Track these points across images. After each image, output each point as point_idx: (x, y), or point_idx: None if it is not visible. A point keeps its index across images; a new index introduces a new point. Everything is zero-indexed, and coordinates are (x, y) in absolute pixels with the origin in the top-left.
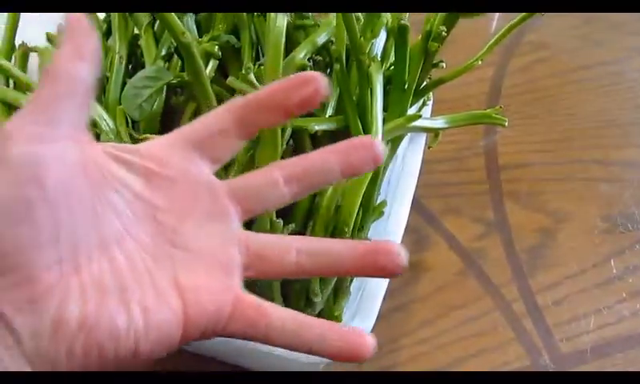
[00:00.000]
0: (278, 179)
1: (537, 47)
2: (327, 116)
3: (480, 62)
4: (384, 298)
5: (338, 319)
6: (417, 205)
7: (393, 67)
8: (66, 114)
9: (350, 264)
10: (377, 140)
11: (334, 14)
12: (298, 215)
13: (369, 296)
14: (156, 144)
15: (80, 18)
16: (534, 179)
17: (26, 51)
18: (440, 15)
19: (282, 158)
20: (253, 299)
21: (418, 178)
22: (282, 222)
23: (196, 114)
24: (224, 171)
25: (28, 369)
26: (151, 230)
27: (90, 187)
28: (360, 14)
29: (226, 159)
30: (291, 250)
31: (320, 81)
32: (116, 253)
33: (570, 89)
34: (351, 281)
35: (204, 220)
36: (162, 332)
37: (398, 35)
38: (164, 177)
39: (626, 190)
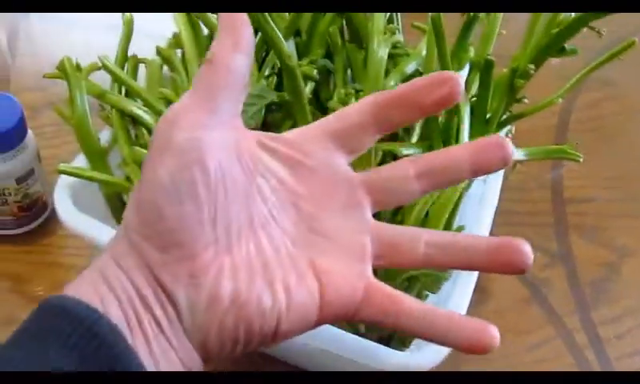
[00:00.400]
0: (410, 174)
1: (605, 84)
2: (413, 141)
3: (561, 100)
4: None
5: (411, 338)
6: None
7: (474, 99)
8: (225, 103)
9: (479, 258)
10: (507, 140)
11: (425, 44)
12: None
13: None
14: (298, 134)
15: (236, 14)
16: (599, 214)
17: (136, 62)
18: (528, 53)
19: None
20: (384, 286)
21: None
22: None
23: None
24: None
25: (187, 342)
26: (293, 215)
27: (243, 172)
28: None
29: (361, 151)
30: (420, 241)
31: (456, 81)
32: (262, 235)
33: (636, 127)
34: (426, 300)
35: (340, 209)
36: (301, 313)
37: (484, 69)
38: (306, 166)
39: None
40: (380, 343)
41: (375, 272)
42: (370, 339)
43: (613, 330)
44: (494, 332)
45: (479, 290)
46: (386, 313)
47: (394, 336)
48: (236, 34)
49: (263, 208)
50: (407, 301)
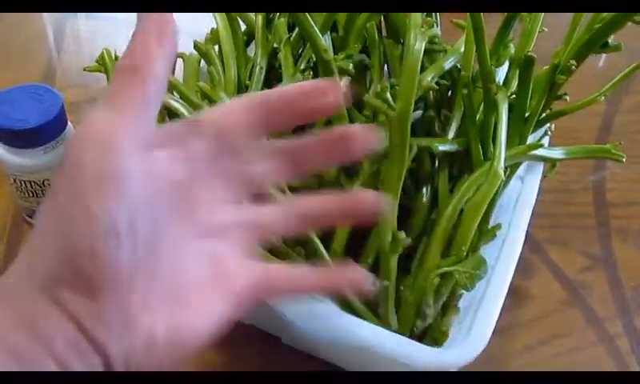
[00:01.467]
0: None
1: None
2: (450, 138)
3: (603, 98)
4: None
5: (444, 334)
6: None
7: (513, 96)
8: (153, 117)
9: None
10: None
11: (463, 40)
12: (414, 230)
13: (482, 315)
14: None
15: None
16: None
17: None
18: (570, 49)
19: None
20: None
21: None
22: (404, 235)
23: (328, 124)
24: (349, 180)
25: None
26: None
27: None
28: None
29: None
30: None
31: (338, 92)
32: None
33: None
34: (459, 299)
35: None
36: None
37: (524, 66)
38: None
39: None
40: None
41: (408, 266)
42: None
43: None
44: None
45: (517, 293)
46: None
47: (427, 333)
48: (162, 37)
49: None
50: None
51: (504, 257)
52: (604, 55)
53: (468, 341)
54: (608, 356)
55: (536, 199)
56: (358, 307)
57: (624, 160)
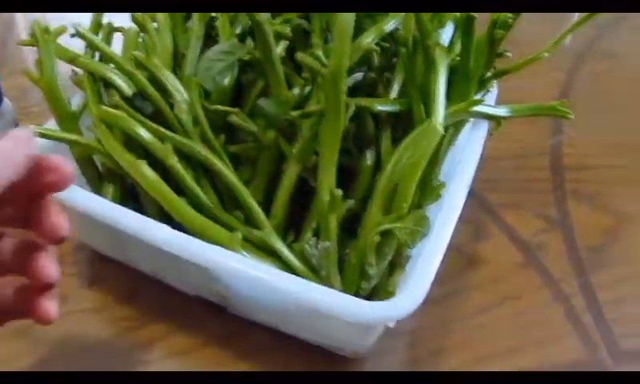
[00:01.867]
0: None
1: (608, 56)
2: (391, 98)
3: (546, 55)
4: (438, 283)
5: (391, 294)
6: (478, 197)
7: (458, 58)
8: None
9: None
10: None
11: None
12: (357, 192)
13: (419, 270)
14: None
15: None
16: (599, 181)
17: (111, 29)
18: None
19: (344, 135)
20: None
21: (481, 171)
22: (341, 193)
23: (264, 91)
24: (288, 143)
25: None
26: None
27: None
28: None
29: None
30: None
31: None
32: None
33: (637, 97)
34: (407, 260)
35: None
36: None
37: (465, 25)
38: None
39: None
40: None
41: (351, 226)
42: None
43: (612, 295)
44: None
45: (472, 256)
46: None
47: (374, 294)
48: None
49: None
50: None
51: (444, 212)
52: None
53: (403, 295)
54: (563, 315)
55: (493, 166)
56: (300, 269)
57: (571, 116)
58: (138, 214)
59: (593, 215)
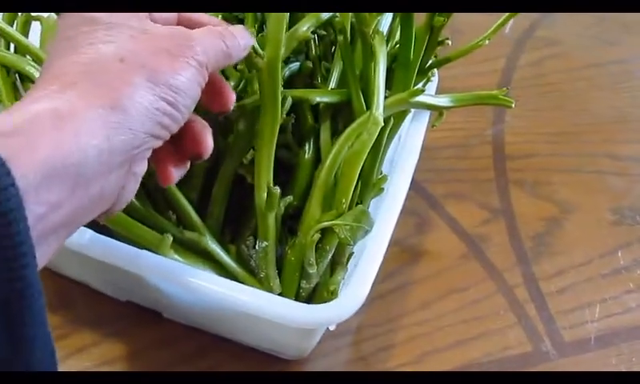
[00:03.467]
0: None
1: (549, 43)
2: (330, 88)
3: (487, 42)
4: (382, 279)
5: (333, 294)
6: (420, 189)
7: (398, 46)
8: None
9: None
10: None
11: None
12: (297, 188)
13: (361, 269)
14: None
15: None
16: (541, 169)
17: (28, 19)
18: None
19: (283, 128)
20: None
21: (423, 162)
22: (279, 190)
23: None
24: (224, 138)
25: None
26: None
27: None
28: None
29: None
30: None
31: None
32: None
33: (580, 85)
34: (349, 257)
35: None
36: None
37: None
38: None
39: (636, 185)
40: None
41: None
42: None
43: (555, 285)
44: None
45: (414, 250)
46: None
47: (316, 294)
48: None
49: None
50: None
51: (385, 207)
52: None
53: (343, 296)
54: (508, 306)
55: (435, 155)
56: (236, 272)
57: (512, 105)
58: None
59: (535, 204)
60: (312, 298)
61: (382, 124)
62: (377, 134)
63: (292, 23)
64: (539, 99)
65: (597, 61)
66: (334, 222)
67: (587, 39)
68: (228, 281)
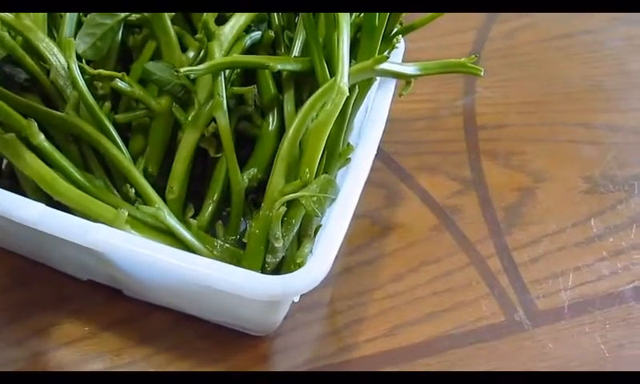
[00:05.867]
0: None
1: (519, 15)
2: (292, 56)
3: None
4: (352, 252)
5: (300, 266)
6: (390, 161)
7: (362, 15)
8: None
9: None
10: None
11: None
12: (261, 159)
13: (325, 238)
14: None
15: None
16: (513, 139)
17: None
18: None
19: (244, 100)
20: None
21: (393, 134)
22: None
23: (156, 53)
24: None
25: None
26: None
27: None
28: None
29: None
30: None
31: None
32: None
33: (552, 55)
34: (317, 230)
35: None
36: None
37: None
38: None
39: (608, 153)
40: None
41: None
42: None
43: (528, 254)
44: None
45: (384, 222)
46: None
47: (282, 267)
48: None
49: None
50: None
51: (350, 175)
52: None
53: (308, 266)
54: (479, 277)
55: (405, 127)
56: (196, 247)
57: (481, 73)
58: (7, 192)
59: (508, 175)
60: (279, 271)
61: (348, 93)
62: (342, 103)
63: None
64: (510, 70)
65: (568, 31)
66: (300, 193)
67: None
68: (187, 253)
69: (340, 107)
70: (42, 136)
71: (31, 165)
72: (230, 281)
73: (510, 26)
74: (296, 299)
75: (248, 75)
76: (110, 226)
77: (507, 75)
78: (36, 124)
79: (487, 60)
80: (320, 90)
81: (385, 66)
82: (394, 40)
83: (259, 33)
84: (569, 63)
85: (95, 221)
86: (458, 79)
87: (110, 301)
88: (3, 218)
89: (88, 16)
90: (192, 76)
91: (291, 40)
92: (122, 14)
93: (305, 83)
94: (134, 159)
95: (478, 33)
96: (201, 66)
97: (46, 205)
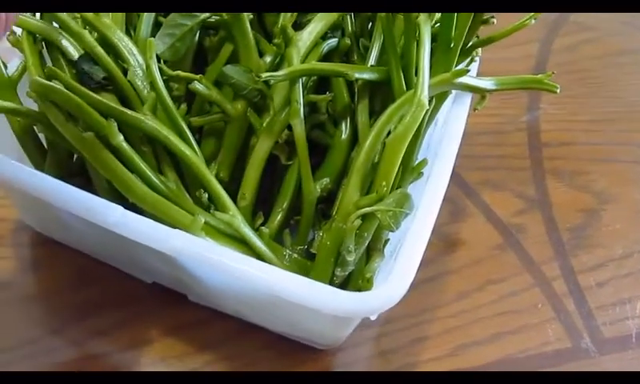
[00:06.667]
0: None
1: (583, 28)
2: (369, 65)
3: (533, 21)
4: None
5: (369, 282)
6: (454, 176)
7: (438, 25)
8: None
9: None
10: None
11: None
12: (332, 169)
13: (404, 258)
14: None
15: None
16: (577, 158)
17: None
18: None
19: (317, 108)
20: None
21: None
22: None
23: (233, 56)
24: (258, 115)
25: None
26: None
27: None
28: None
29: None
30: None
31: None
32: None
33: (615, 71)
34: (385, 243)
35: None
36: None
37: None
38: None
39: None
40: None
41: (328, 213)
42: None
43: (594, 278)
44: None
45: (449, 238)
46: None
47: (350, 281)
48: None
49: None
50: None
51: (428, 194)
52: None
53: (387, 285)
54: (545, 299)
55: (468, 142)
56: (268, 257)
57: (557, 90)
58: (87, 193)
59: (572, 195)
60: (345, 285)
61: (428, 107)
62: (422, 117)
63: None
64: (574, 85)
65: (631, 47)
66: (376, 207)
67: (621, 25)
68: (267, 265)
69: (419, 121)
70: (121, 137)
71: (109, 166)
72: (311, 295)
73: (573, 40)
74: (373, 317)
75: (322, 82)
76: (186, 231)
77: (571, 91)
78: (116, 124)
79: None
80: (398, 101)
81: (463, 79)
82: (473, 53)
83: (335, 40)
84: (631, 80)
85: (170, 225)
86: (522, 94)
87: (175, 305)
88: (74, 217)
89: (168, 16)
90: (271, 82)
91: (366, 48)
92: (202, 15)
93: (378, 92)
94: (206, 163)
95: (541, 45)
96: (281, 72)
97: (120, 205)
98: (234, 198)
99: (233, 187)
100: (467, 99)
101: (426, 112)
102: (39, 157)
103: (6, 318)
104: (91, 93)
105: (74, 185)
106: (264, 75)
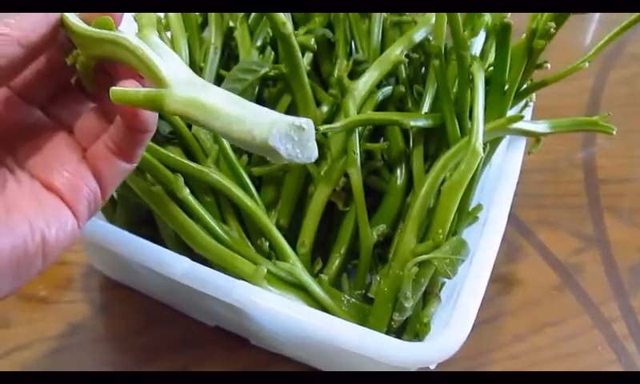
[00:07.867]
0: None
1: (638, 59)
2: (423, 113)
3: (587, 64)
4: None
5: (426, 327)
6: (510, 215)
7: (492, 68)
8: None
9: None
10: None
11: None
12: (388, 214)
13: (462, 305)
14: None
15: None
16: (636, 194)
17: None
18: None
19: (372, 154)
20: None
21: None
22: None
23: (291, 106)
24: (316, 164)
25: None
26: None
27: None
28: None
29: None
30: None
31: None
32: None
33: None
34: (441, 287)
35: None
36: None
37: (500, 33)
38: None
39: None
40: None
41: (386, 255)
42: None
43: None
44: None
45: (505, 279)
46: None
47: (407, 326)
48: None
49: None
50: None
51: (485, 239)
52: (590, 33)
53: (446, 334)
54: (605, 342)
55: (523, 179)
56: (327, 304)
57: (614, 132)
58: (155, 246)
59: (631, 233)
60: (403, 329)
61: (483, 155)
62: (476, 165)
63: (382, 48)
64: (631, 119)
65: None
66: (433, 255)
67: None
68: (327, 315)
69: (474, 168)
70: (187, 190)
71: (176, 218)
72: (373, 347)
73: (629, 72)
74: (432, 367)
75: (377, 128)
76: (249, 281)
77: (628, 125)
78: (182, 179)
79: (606, 108)
80: (453, 148)
81: (518, 124)
82: (528, 97)
83: (390, 88)
84: None
85: (234, 275)
86: None
87: (236, 348)
88: (143, 266)
89: (230, 71)
90: (329, 133)
91: (420, 94)
92: (263, 70)
93: (432, 137)
94: (266, 211)
95: (595, 78)
96: (338, 124)
97: (184, 254)
98: (293, 245)
99: (292, 234)
100: (522, 143)
101: (481, 159)
102: (110, 208)
103: (78, 360)
104: (159, 147)
105: (142, 234)
106: (322, 128)
